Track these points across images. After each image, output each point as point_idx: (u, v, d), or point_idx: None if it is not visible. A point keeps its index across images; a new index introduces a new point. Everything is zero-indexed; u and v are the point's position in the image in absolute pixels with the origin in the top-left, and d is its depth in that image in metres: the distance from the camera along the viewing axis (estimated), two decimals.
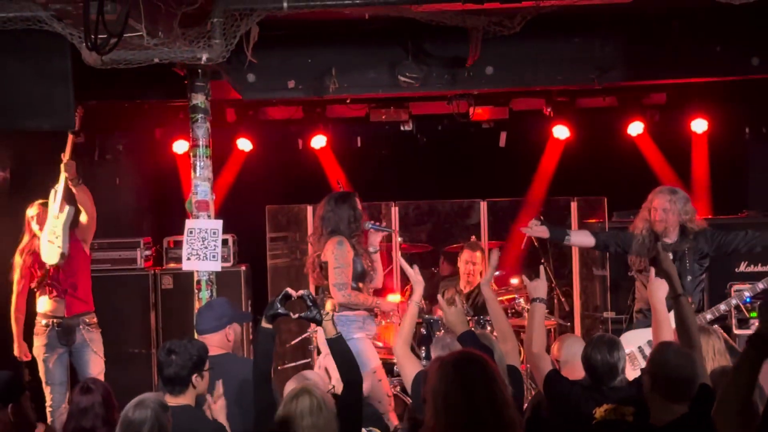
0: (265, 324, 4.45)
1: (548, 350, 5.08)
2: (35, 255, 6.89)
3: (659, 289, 4.89)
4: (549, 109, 8.83)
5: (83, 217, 6.97)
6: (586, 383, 4.65)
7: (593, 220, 8.59)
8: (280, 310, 4.43)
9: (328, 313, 4.44)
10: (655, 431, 3.96)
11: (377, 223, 6.45)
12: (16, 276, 6.93)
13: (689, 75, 7.40)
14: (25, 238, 6.96)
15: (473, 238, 8.55)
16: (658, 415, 3.98)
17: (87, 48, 4.65)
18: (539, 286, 4.94)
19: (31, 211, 6.91)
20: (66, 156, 6.73)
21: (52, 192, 6.78)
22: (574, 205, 8.81)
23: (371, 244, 6.40)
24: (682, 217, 6.41)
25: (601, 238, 6.73)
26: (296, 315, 4.49)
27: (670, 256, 4.67)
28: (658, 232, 6.42)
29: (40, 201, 6.90)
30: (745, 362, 3.14)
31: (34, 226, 6.88)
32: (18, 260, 6.93)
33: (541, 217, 6.81)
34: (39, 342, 6.94)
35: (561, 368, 5.03)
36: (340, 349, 4.39)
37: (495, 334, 5.42)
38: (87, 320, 6.99)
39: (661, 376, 3.97)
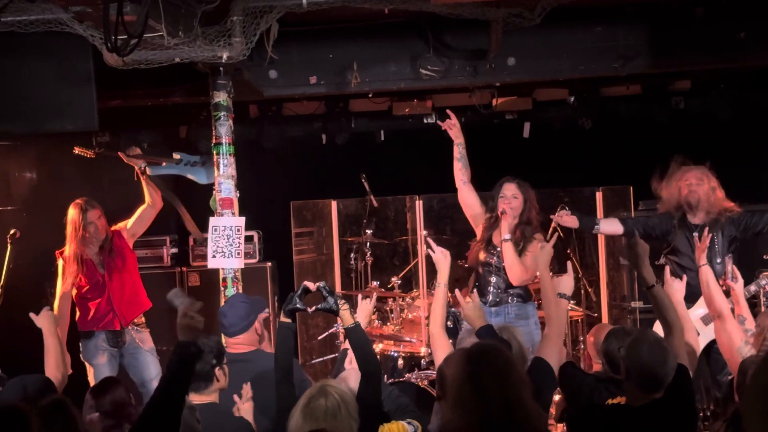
0: (284, 318, 4.43)
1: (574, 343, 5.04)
2: (88, 264, 6.80)
3: (677, 291, 4.88)
4: (572, 99, 8.78)
5: (144, 211, 6.98)
6: (602, 375, 4.62)
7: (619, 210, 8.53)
8: (298, 305, 4.39)
9: (345, 302, 4.40)
10: (632, 411, 3.98)
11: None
12: (59, 280, 6.81)
13: (713, 62, 7.30)
14: (72, 245, 6.76)
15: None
16: (634, 400, 4.02)
17: (108, 49, 4.65)
18: (565, 282, 4.85)
19: (89, 216, 6.75)
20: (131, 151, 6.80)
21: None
22: (599, 195, 8.76)
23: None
24: (711, 196, 6.34)
25: (629, 225, 6.68)
26: (313, 308, 4.44)
27: (645, 244, 4.59)
28: (691, 203, 6.33)
29: (82, 202, 6.80)
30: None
31: (94, 234, 6.78)
32: (62, 265, 6.80)
33: (566, 207, 6.75)
34: (86, 346, 6.87)
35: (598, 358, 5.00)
36: (357, 338, 4.34)
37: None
38: (135, 321, 6.96)
39: (636, 371, 3.99)
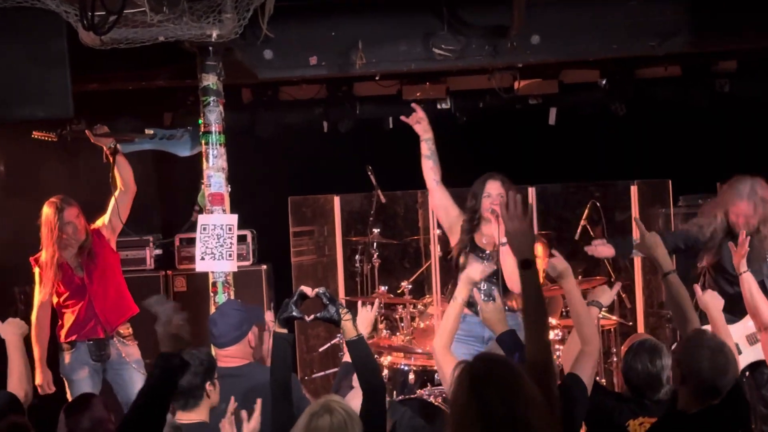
0: (279, 329, 4.43)
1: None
2: (65, 268, 6.83)
3: (714, 297, 4.92)
4: (604, 82, 8.80)
5: (117, 199, 6.93)
6: (626, 394, 4.68)
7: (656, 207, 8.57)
8: (294, 313, 4.39)
9: (348, 311, 4.38)
10: (686, 418, 4.01)
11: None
12: (36, 288, 6.83)
13: (762, 40, 7.31)
14: (48, 248, 6.78)
15: None
16: (687, 405, 4.05)
17: (84, 27, 4.69)
18: (604, 292, 4.95)
19: (65, 215, 6.77)
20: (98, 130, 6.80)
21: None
22: (634, 189, 8.77)
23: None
24: (765, 213, 6.37)
25: (669, 241, 6.60)
26: (311, 316, 4.45)
27: (656, 235, 4.69)
28: (745, 231, 6.34)
29: (58, 200, 6.81)
30: None
31: (73, 235, 6.82)
32: (38, 272, 6.83)
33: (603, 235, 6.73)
34: (65, 359, 6.88)
35: None
36: (360, 352, 4.34)
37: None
38: (122, 331, 6.97)
39: (694, 379, 4.02)
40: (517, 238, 3.88)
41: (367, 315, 5.38)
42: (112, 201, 6.97)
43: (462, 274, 5.12)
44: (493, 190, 6.44)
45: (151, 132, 7.20)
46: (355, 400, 4.40)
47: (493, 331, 4.73)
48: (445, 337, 4.92)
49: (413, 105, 6.79)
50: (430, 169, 6.63)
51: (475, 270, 5.07)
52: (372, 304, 5.54)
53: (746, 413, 4.10)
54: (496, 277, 6.38)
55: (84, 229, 6.89)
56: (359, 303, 6.24)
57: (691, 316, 4.49)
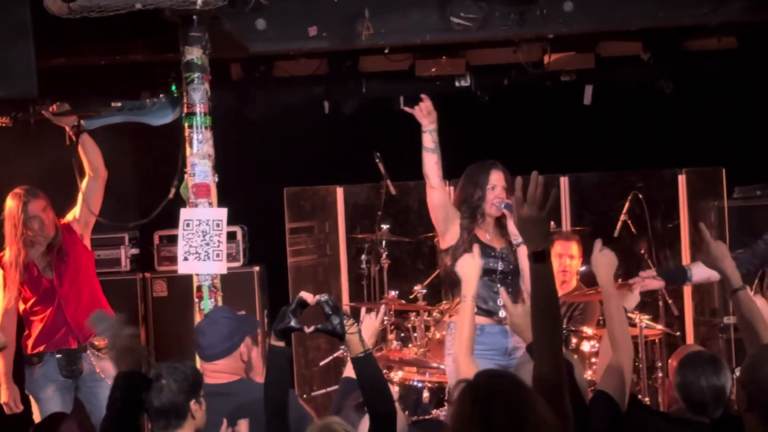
0: (275, 341, 4.38)
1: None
2: (30, 269, 6.84)
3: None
4: (648, 55, 8.80)
5: (87, 186, 6.88)
6: (676, 414, 4.64)
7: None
8: (292, 323, 4.34)
9: (354, 323, 4.34)
10: None
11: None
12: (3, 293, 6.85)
13: None
14: (12, 246, 6.80)
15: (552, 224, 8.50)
16: None
17: None
18: (629, 299, 4.90)
19: (30, 209, 6.77)
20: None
21: None
22: (682, 179, 8.76)
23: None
24: None
25: (741, 262, 6.26)
26: (311, 328, 4.39)
27: (721, 243, 4.64)
28: None
29: (22, 191, 6.81)
30: None
31: (40, 231, 6.81)
32: (2, 275, 6.85)
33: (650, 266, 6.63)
34: (31, 375, 6.90)
35: None
36: (367, 371, 4.31)
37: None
38: (96, 343, 6.92)
39: (763, 399, 3.89)
40: (528, 225, 3.81)
41: (370, 324, 5.36)
42: (82, 188, 6.91)
43: (459, 269, 5.09)
44: (498, 181, 6.50)
45: (119, 104, 7.09)
46: (364, 424, 4.37)
47: (523, 339, 4.70)
48: (464, 345, 4.96)
49: (422, 96, 6.77)
50: (435, 164, 6.68)
51: (467, 263, 5.04)
52: (377, 311, 5.50)
53: None
54: (509, 277, 6.38)
55: (53, 224, 6.89)
56: (363, 310, 6.20)
57: (764, 337, 4.42)
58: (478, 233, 6.48)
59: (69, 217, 7.05)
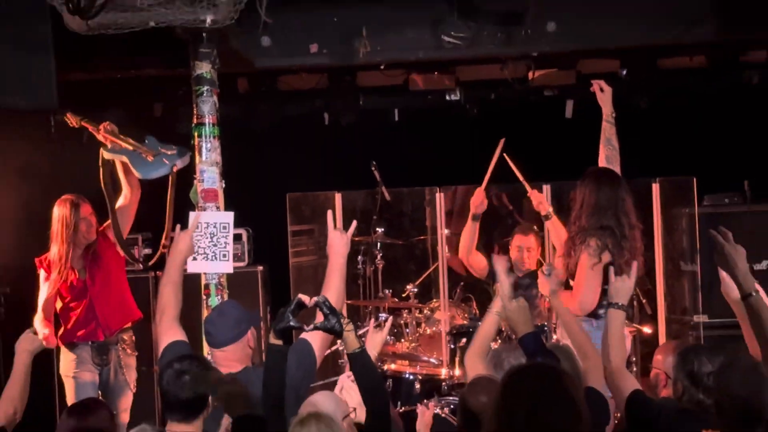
0: (274, 340, 4.40)
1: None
2: (72, 274, 6.94)
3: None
4: (624, 72, 8.79)
5: (123, 202, 6.95)
6: (687, 404, 4.50)
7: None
8: (291, 323, 4.36)
9: (349, 322, 4.37)
10: None
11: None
12: (41, 290, 6.91)
13: None
14: (61, 245, 6.89)
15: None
16: None
17: (69, 11, 4.67)
18: (621, 288, 4.83)
19: (81, 211, 6.90)
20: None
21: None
22: (656, 188, 8.75)
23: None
24: None
25: None
26: (311, 326, 4.45)
27: (740, 248, 4.59)
28: None
29: (72, 197, 6.91)
30: None
31: (86, 233, 6.90)
32: (44, 275, 6.93)
33: None
34: (67, 358, 7.02)
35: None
36: (362, 366, 4.34)
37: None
38: (125, 338, 7.11)
39: (728, 404, 3.93)
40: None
41: (378, 338, 5.48)
42: (117, 206, 6.89)
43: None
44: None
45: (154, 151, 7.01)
46: (318, 404, 4.39)
47: (515, 332, 4.69)
48: (476, 350, 4.94)
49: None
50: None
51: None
52: (383, 326, 5.63)
53: None
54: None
55: (95, 229, 7.04)
56: (371, 325, 6.24)
57: None
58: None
59: (105, 223, 7.10)
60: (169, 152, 6.56)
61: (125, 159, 6.58)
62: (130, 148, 6.74)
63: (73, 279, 6.97)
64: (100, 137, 6.73)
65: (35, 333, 5.35)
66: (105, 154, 6.65)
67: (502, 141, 7.70)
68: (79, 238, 6.94)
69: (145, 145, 6.62)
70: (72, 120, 6.80)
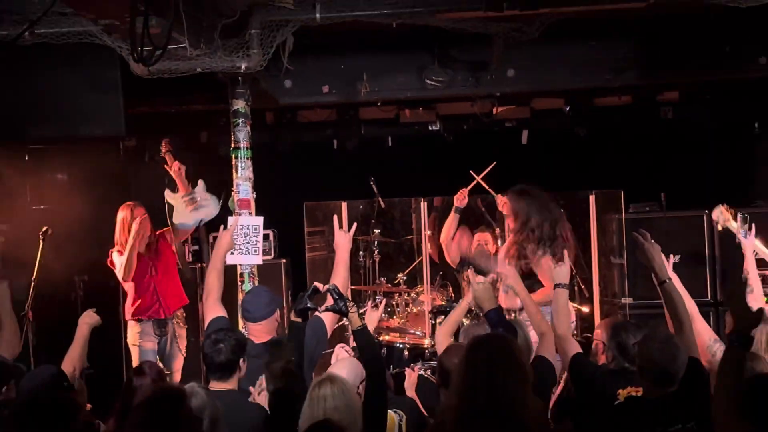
0: (295, 318, 4.46)
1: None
2: (142, 259, 6.93)
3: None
4: (568, 108, 8.78)
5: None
6: (615, 367, 4.53)
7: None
8: (309, 305, 4.42)
9: (354, 305, 4.41)
10: (647, 402, 3.95)
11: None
12: (118, 267, 6.83)
13: (700, 74, 7.33)
14: (128, 239, 6.80)
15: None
16: (650, 393, 4.00)
17: (134, 60, 4.68)
18: (560, 272, 4.82)
19: (136, 212, 6.83)
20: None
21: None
22: (592, 199, 8.71)
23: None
24: None
25: None
26: (323, 307, 4.48)
27: (656, 245, 4.59)
28: None
29: (131, 203, 6.90)
30: (727, 363, 3.11)
31: (142, 228, 6.83)
32: (117, 255, 6.89)
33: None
34: (133, 330, 7.00)
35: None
36: (364, 340, 4.34)
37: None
38: (179, 314, 7.13)
39: (648, 368, 3.96)
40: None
41: (375, 315, 5.50)
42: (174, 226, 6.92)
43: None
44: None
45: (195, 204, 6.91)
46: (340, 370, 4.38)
47: (482, 308, 4.66)
48: (446, 329, 5.05)
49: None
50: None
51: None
52: (378, 306, 5.68)
53: (705, 396, 3.94)
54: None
55: (150, 227, 6.98)
56: (369, 305, 6.25)
57: (684, 320, 4.38)
58: None
59: (164, 228, 7.09)
60: (206, 201, 6.65)
61: (174, 204, 6.67)
62: (182, 191, 6.75)
63: (142, 269, 6.94)
64: (171, 172, 6.78)
65: (95, 311, 5.36)
66: (166, 196, 6.76)
67: (493, 164, 7.68)
68: (139, 231, 6.82)
69: (195, 190, 6.68)
70: (165, 145, 6.86)
